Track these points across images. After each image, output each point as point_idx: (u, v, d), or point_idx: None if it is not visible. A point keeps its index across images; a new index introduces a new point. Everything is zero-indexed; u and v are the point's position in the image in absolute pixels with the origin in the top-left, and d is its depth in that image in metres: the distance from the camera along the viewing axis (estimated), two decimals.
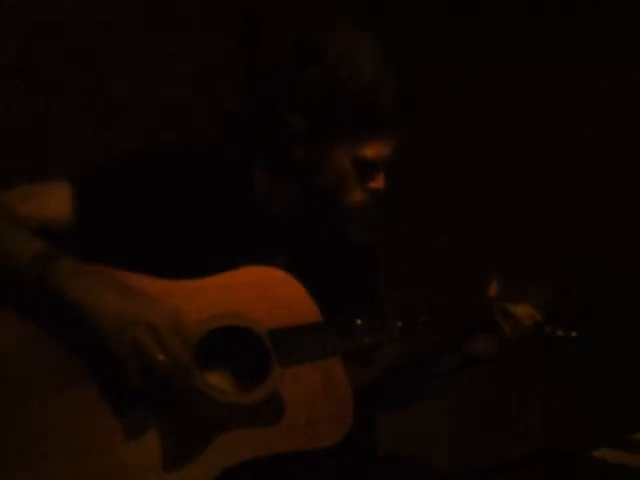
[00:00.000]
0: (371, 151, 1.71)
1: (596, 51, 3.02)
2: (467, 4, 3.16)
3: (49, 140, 2.60)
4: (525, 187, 3.16)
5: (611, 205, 3.08)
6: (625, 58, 3.01)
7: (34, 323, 1.52)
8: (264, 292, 1.67)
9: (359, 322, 1.70)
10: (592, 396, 3.05)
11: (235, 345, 1.65)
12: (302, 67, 1.69)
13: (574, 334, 1.87)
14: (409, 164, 2.97)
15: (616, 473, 2.11)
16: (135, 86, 2.71)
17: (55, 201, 1.65)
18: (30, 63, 2.59)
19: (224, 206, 1.75)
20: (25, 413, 1.48)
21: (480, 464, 2.29)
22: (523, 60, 3.10)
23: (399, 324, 1.73)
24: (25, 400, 1.49)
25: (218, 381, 1.64)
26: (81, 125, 2.65)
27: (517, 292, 1.85)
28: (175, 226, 1.70)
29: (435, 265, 3.08)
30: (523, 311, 1.82)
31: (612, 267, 2.97)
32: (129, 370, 1.49)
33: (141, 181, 1.70)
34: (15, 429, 1.47)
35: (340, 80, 1.67)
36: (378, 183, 1.75)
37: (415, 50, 2.86)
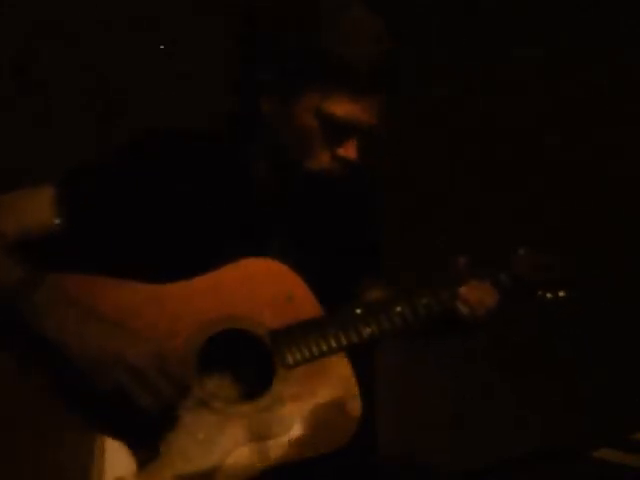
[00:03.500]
0: (339, 108, 1.59)
1: (596, 51, 3.02)
2: (467, 4, 3.16)
3: (49, 140, 2.60)
4: (525, 186, 3.16)
5: (611, 205, 3.08)
6: (625, 58, 3.01)
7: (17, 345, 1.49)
8: (261, 288, 1.63)
9: (359, 311, 1.66)
10: (592, 396, 3.04)
11: (236, 348, 1.62)
12: (276, 19, 1.63)
13: (562, 294, 1.84)
14: (408, 164, 2.98)
15: (616, 473, 2.11)
16: (135, 86, 2.70)
17: (38, 208, 1.62)
18: (30, 63, 2.59)
19: (217, 192, 1.70)
20: (27, 434, 1.46)
21: (480, 464, 2.28)
22: (523, 60, 3.10)
23: (398, 308, 1.69)
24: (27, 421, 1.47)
25: (221, 387, 1.62)
26: (81, 125, 2.65)
27: (482, 270, 1.79)
28: (166, 216, 1.66)
29: (435, 266, 3.07)
30: (474, 292, 1.74)
31: (612, 267, 2.98)
32: (115, 407, 1.47)
33: (129, 171, 1.66)
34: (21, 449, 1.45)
35: (314, 29, 1.59)
36: (348, 151, 1.63)
37: (415, 50, 2.86)
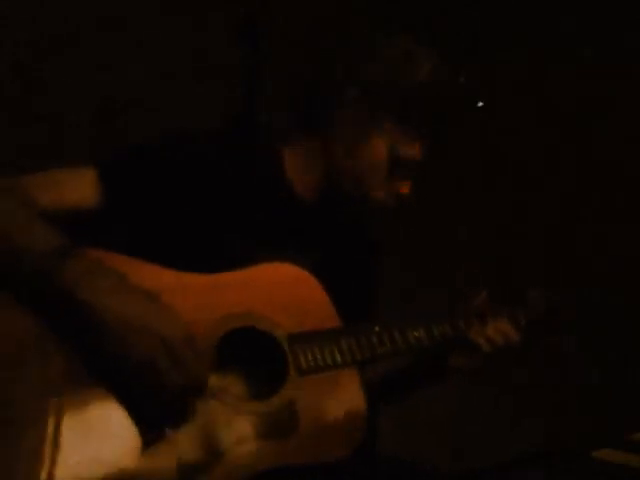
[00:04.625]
0: (410, 150, 1.72)
1: (597, 51, 3.02)
2: (467, 4, 3.16)
3: (49, 140, 2.60)
4: (526, 188, 3.16)
5: (611, 206, 3.08)
6: (627, 58, 3.01)
7: (39, 316, 1.47)
8: (285, 292, 1.65)
9: (377, 329, 1.70)
10: (592, 396, 3.04)
11: (253, 346, 1.63)
12: (370, 54, 1.72)
13: (573, 336, 1.87)
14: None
15: (616, 473, 2.11)
16: (135, 86, 2.70)
17: (79, 187, 1.63)
18: (30, 63, 2.59)
19: (251, 193, 1.73)
20: (32, 407, 1.45)
21: (480, 464, 2.28)
22: (524, 60, 3.10)
23: (416, 333, 1.73)
24: (34, 394, 1.45)
25: (233, 382, 1.63)
26: (81, 125, 2.65)
27: (500, 305, 1.84)
28: (202, 213, 1.68)
29: (436, 274, 3.08)
30: (497, 327, 1.81)
31: (612, 267, 2.97)
32: (139, 380, 1.46)
33: (169, 165, 1.68)
34: (24, 423, 1.44)
35: (404, 74, 1.70)
36: (405, 188, 1.75)
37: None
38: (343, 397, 1.63)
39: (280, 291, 1.65)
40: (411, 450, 1.98)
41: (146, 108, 2.69)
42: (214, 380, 1.55)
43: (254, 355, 1.62)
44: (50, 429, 1.44)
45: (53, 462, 1.43)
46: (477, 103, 1.88)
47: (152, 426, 1.48)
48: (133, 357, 1.45)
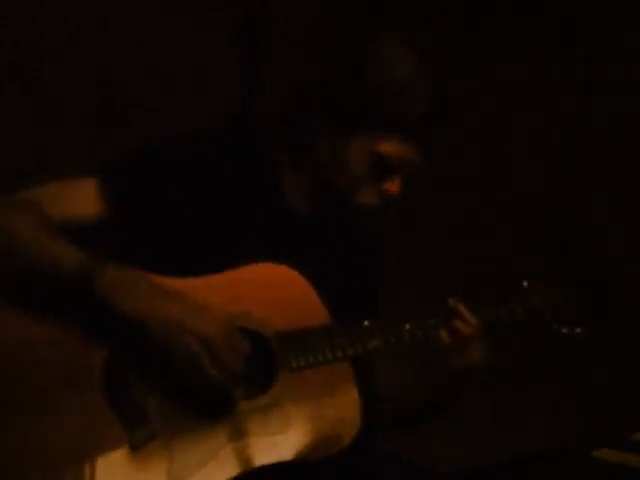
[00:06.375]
0: (387, 147, 1.69)
1: (597, 51, 3.03)
2: (467, 4, 3.16)
3: (49, 140, 2.60)
4: (526, 188, 3.16)
5: (611, 205, 3.09)
6: (627, 58, 3.01)
7: (51, 324, 1.49)
8: (273, 291, 1.65)
9: (367, 324, 1.69)
10: (592, 396, 3.05)
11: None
12: (331, 59, 1.72)
13: (579, 331, 1.87)
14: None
15: (616, 473, 2.11)
16: (135, 86, 2.71)
17: (82, 198, 1.62)
18: (30, 63, 2.59)
19: (251, 195, 1.73)
20: (26, 411, 1.46)
21: (480, 464, 2.28)
22: (523, 60, 3.10)
23: (408, 326, 1.73)
24: (28, 398, 1.47)
25: None
26: (81, 125, 2.65)
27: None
28: (201, 214, 1.68)
29: (435, 274, 3.08)
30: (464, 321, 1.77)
31: (612, 267, 2.98)
32: (179, 377, 1.49)
33: (169, 166, 1.68)
34: (17, 426, 1.45)
35: (364, 72, 1.69)
36: (393, 186, 1.73)
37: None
38: (336, 392, 1.63)
39: (269, 290, 1.65)
40: (411, 449, 1.98)
41: (146, 108, 2.69)
42: None
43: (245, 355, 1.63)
44: (45, 430, 1.45)
45: (48, 463, 1.44)
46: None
47: (139, 425, 1.49)
48: (176, 357, 1.49)
